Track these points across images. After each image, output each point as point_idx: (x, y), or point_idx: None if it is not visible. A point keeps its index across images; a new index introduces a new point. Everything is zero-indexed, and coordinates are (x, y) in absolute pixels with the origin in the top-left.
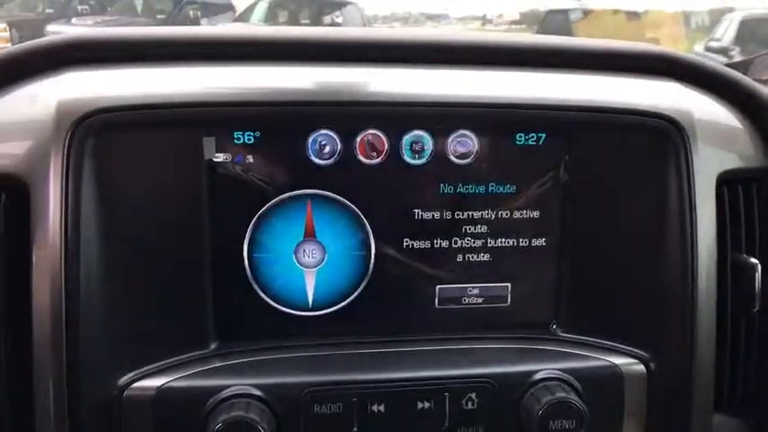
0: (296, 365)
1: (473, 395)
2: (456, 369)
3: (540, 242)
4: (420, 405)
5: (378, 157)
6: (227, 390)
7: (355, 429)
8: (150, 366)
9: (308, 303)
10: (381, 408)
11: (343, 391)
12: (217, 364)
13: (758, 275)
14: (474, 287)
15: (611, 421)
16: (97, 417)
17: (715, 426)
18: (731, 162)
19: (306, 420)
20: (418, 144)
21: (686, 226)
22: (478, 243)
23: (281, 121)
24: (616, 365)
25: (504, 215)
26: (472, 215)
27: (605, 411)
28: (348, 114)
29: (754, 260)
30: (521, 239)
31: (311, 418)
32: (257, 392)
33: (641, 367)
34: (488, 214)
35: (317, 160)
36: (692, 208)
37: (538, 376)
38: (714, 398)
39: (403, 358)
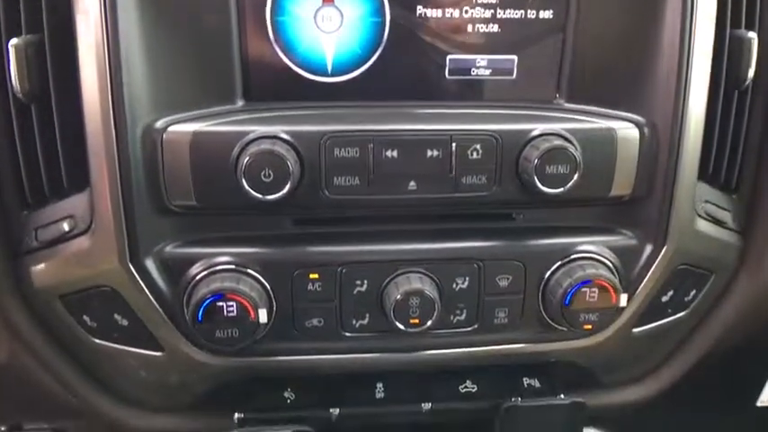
0: (317, 118)
1: (478, 146)
2: (463, 125)
3: (547, 14)
4: (429, 153)
5: None
6: (256, 132)
7: (372, 174)
8: (185, 114)
9: (327, 69)
10: (395, 153)
11: (361, 137)
12: (244, 116)
13: (754, 48)
14: (483, 58)
15: (603, 176)
16: (142, 155)
17: (697, 193)
18: None
19: (327, 162)
20: None
21: None
22: (488, 14)
23: None
24: (611, 128)
25: None
26: None
27: (598, 166)
28: None
29: (752, 34)
30: (528, 11)
31: (332, 160)
32: (283, 135)
33: (635, 131)
34: None
35: None
36: None
37: (537, 132)
38: (699, 168)
39: (415, 115)
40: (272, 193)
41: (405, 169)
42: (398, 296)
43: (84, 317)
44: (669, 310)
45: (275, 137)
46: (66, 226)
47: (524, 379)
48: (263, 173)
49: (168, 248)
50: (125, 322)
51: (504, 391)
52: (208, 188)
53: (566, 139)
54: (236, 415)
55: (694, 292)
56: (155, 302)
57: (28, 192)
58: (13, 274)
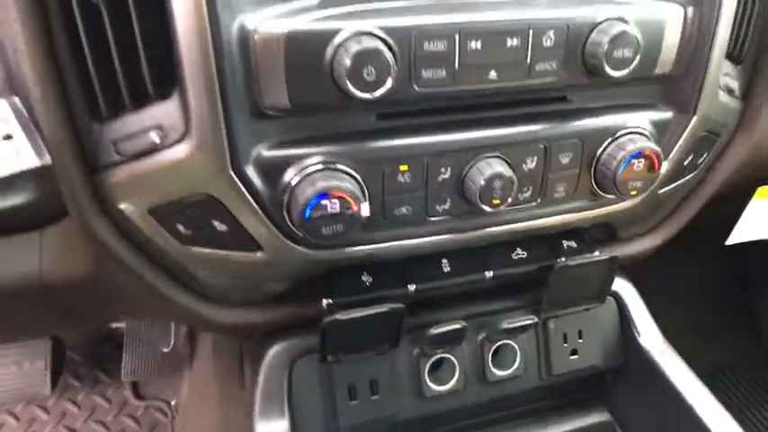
0: (406, 11)
1: (551, 33)
2: (537, 12)
3: None
4: (509, 42)
5: None
6: (348, 28)
7: (457, 64)
8: (272, 7)
9: None
10: (478, 45)
11: (448, 30)
12: (332, 13)
13: None
14: None
15: (652, 56)
16: (237, 54)
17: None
18: None
19: (417, 56)
20: None
21: None
22: None
23: None
24: (662, 13)
25: None
26: None
27: (650, 47)
28: None
29: None
30: None
31: (422, 53)
32: (377, 32)
33: (680, 12)
34: None
35: None
36: None
37: (602, 18)
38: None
39: (493, 4)
40: (374, 91)
41: (486, 60)
42: (483, 181)
43: (178, 226)
44: (686, 172)
45: (370, 33)
46: (155, 137)
47: (563, 241)
48: (365, 71)
49: (263, 152)
50: (224, 228)
51: (548, 253)
52: (302, 89)
53: (627, 22)
54: (325, 301)
55: (705, 154)
56: (255, 206)
57: (102, 103)
58: (92, 190)
